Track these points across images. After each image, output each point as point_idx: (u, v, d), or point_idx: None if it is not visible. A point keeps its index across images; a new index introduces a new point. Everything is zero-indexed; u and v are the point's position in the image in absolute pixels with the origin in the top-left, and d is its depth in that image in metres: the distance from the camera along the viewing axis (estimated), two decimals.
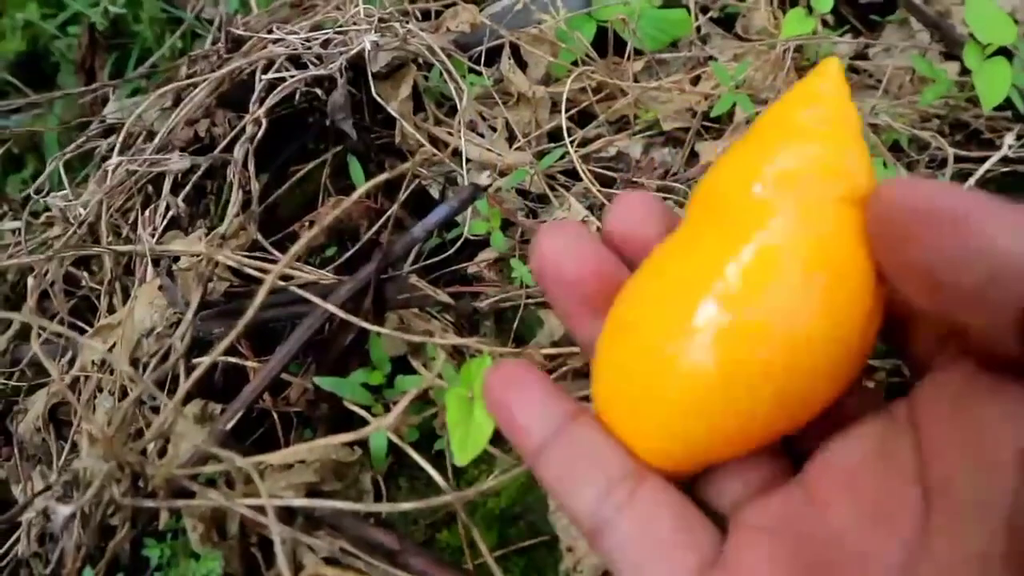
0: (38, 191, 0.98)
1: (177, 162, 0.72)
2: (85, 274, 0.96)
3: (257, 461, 0.59)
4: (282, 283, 0.73)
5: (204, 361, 0.59)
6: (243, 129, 0.92)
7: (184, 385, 0.59)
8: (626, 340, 0.32)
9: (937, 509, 0.28)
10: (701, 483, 0.34)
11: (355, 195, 0.68)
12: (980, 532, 0.27)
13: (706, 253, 0.30)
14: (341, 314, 0.67)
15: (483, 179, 0.69)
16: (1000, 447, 0.27)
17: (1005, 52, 1.01)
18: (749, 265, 0.29)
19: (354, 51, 0.96)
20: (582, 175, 0.97)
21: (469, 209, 0.90)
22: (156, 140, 0.90)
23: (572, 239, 0.34)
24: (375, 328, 0.65)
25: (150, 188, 0.95)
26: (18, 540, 0.73)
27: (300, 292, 0.69)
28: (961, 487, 0.28)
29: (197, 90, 0.93)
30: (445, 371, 0.67)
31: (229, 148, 0.92)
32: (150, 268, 0.77)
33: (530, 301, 0.81)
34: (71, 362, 0.85)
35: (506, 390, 0.34)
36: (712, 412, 0.30)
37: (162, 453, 0.72)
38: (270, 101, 0.95)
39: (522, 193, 1.01)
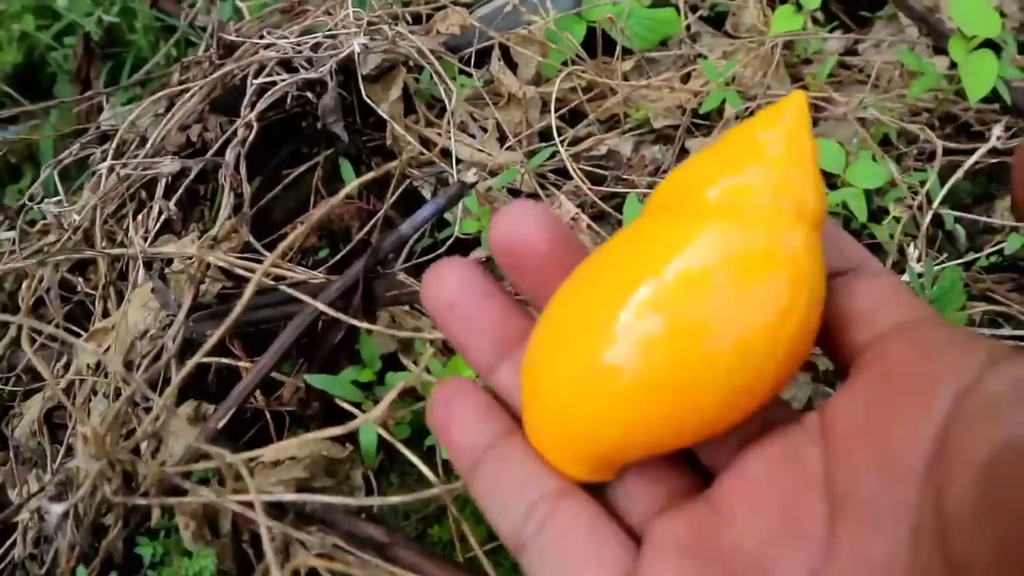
0: (32, 198, 0.98)
1: (168, 165, 0.73)
2: (80, 279, 0.96)
3: (247, 457, 0.60)
4: (273, 283, 0.74)
5: (192, 361, 0.60)
6: (235, 133, 0.92)
7: (173, 383, 0.60)
8: (547, 343, 0.33)
9: (843, 520, 0.28)
10: (613, 497, 0.34)
11: (341, 194, 0.69)
12: (885, 542, 0.27)
13: (644, 253, 0.31)
14: (331, 312, 0.68)
15: (470, 176, 0.70)
16: (906, 457, 0.27)
17: (992, 45, 1.02)
18: (685, 266, 0.30)
19: (343, 54, 0.97)
20: (572, 173, 0.98)
21: (461, 208, 0.91)
22: (148, 145, 0.91)
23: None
24: (364, 325, 0.66)
25: (143, 193, 0.95)
26: (14, 544, 0.73)
27: (289, 291, 0.70)
28: (866, 497, 0.28)
29: (189, 95, 0.94)
30: (433, 366, 0.67)
31: (221, 152, 0.92)
32: (142, 271, 0.78)
33: (520, 296, 0.81)
34: (67, 366, 0.86)
35: (445, 408, 0.35)
36: (630, 417, 0.31)
37: (157, 453, 0.73)
38: (261, 105, 0.96)
39: (513, 192, 1.02)
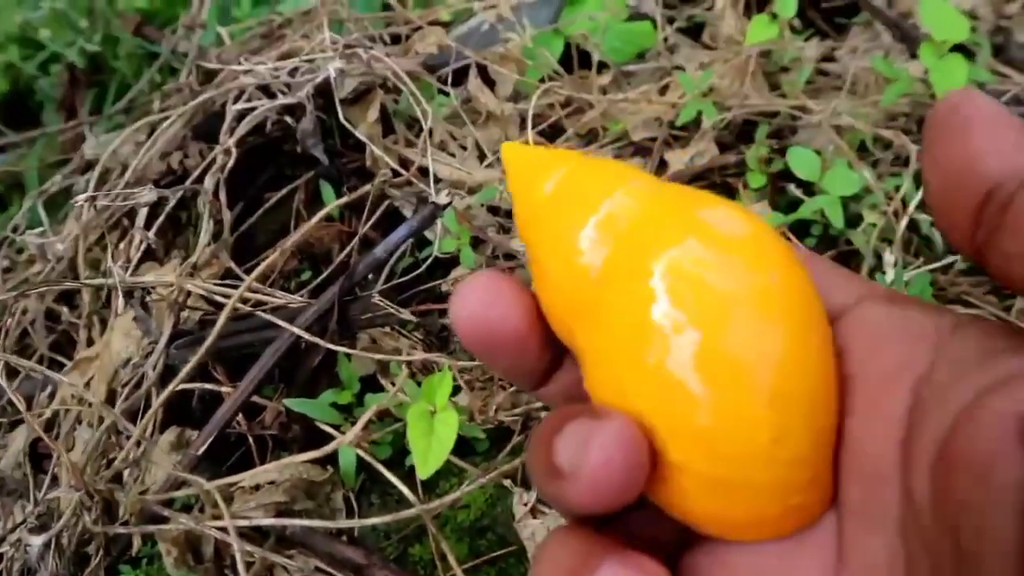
0: (16, 229, 0.99)
1: (146, 195, 0.73)
2: (65, 309, 0.97)
3: (224, 484, 0.60)
4: (251, 309, 0.75)
5: (169, 388, 0.60)
6: (214, 160, 0.93)
7: (151, 412, 0.60)
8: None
9: (846, 526, 0.29)
10: (631, 532, 0.33)
11: (316, 217, 0.70)
12: (883, 544, 0.28)
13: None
14: (307, 336, 0.69)
15: (442, 198, 0.70)
16: (878, 460, 0.28)
17: (965, 49, 1.03)
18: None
19: (320, 79, 0.98)
20: None
21: (440, 228, 0.92)
22: (128, 174, 0.92)
23: (486, 293, 0.31)
24: (340, 349, 0.67)
25: (126, 222, 0.96)
26: None
27: (266, 316, 0.71)
28: (857, 502, 0.29)
29: (169, 123, 0.95)
30: (408, 388, 0.68)
31: (201, 179, 0.93)
32: (122, 300, 0.79)
33: None
34: (52, 396, 0.87)
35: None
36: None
37: (139, 482, 0.73)
38: (241, 131, 0.97)
39: (493, 210, 1.03)
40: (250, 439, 0.77)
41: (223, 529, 0.59)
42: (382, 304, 0.68)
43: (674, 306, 0.28)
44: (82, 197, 0.70)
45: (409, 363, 0.70)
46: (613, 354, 0.29)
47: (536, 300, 0.32)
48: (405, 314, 0.70)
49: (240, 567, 0.50)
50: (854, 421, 0.29)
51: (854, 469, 0.29)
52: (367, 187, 0.73)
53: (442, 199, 0.69)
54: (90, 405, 0.80)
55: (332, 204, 0.64)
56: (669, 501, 0.30)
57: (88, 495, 0.58)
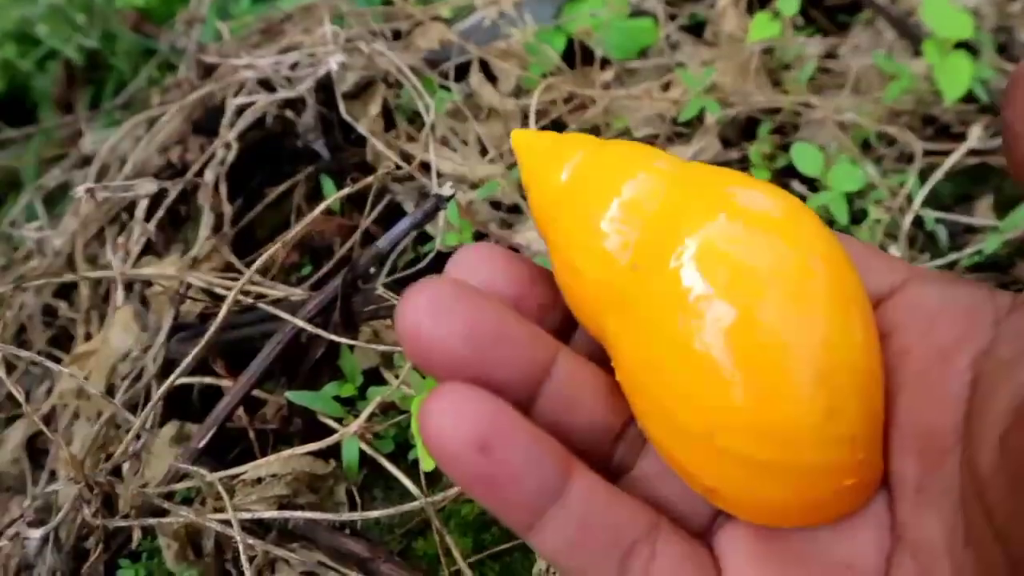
0: (14, 224, 0.98)
1: (144, 187, 0.73)
2: (63, 304, 0.96)
3: (226, 476, 0.60)
4: (252, 301, 0.74)
5: (170, 380, 0.60)
6: (214, 153, 0.93)
7: (151, 403, 0.60)
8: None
9: (900, 504, 0.29)
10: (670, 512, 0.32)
11: (318, 209, 0.69)
12: (939, 521, 0.27)
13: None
14: (310, 328, 0.68)
15: (446, 190, 0.70)
16: (938, 436, 0.27)
17: (968, 47, 1.03)
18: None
19: (321, 72, 0.97)
20: None
21: (443, 222, 0.91)
22: (127, 168, 0.91)
23: (440, 298, 0.28)
24: (343, 340, 0.66)
25: (124, 216, 0.95)
26: None
27: (269, 308, 0.70)
28: (913, 480, 0.28)
29: (167, 117, 0.95)
30: (413, 379, 0.67)
31: (201, 172, 0.92)
32: (121, 293, 0.78)
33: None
34: (50, 391, 0.86)
35: (484, 454, 0.27)
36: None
37: (139, 475, 0.72)
38: (240, 125, 0.96)
39: (496, 205, 1.02)
40: (251, 433, 0.76)
41: (225, 522, 0.58)
42: (385, 296, 0.67)
43: (713, 287, 0.27)
44: (81, 188, 0.69)
45: None
46: (651, 340, 0.28)
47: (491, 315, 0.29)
48: None
49: (243, 560, 0.49)
50: (907, 397, 0.28)
51: (908, 445, 0.28)
52: (369, 179, 0.73)
53: (446, 191, 0.68)
54: (89, 399, 0.80)
55: (334, 196, 0.64)
56: (712, 488, 0.29)
57: (88, 488, 0.57)
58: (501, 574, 0.67)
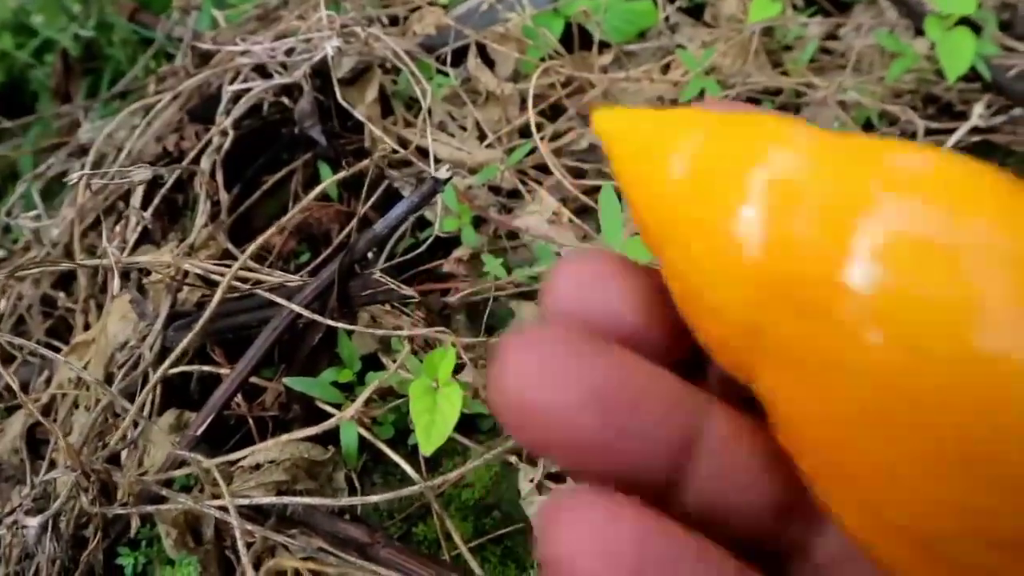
0: (11, 214, 0.98)
1: (140, 173, 0.72)
2: (61, 294, 0.96)
3: (224, 461, 0.59)
4: (249, 288, 0.73)
5: (164, 366, 0.59)
6: (210, 140, 0.92)
7: (146, 389, 0.59)
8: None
9: None
10: None
11: (315, 192, 0.68)
12: None
13: None
14: (307, 313, 0.67)
15: (443, 173, 0.69)
16: None
17: (971, 24, 1.01)
18: None
19: (317, 58, 0.96)
20: (553, 169, 0.97)
21: (441, 207, 0.90)
22: (123, 156, 0.90)
23: (554, 355, 0.21)
24: (341, 325, 0.65)
25: (121, 205, 0.95)
26: None
27: (265, 294, 0.69)
28: None
29: (163, 103, 0.94)
30: (411, 363, 0.67)
31: (198, 160, 0.92)
32: (117, 281, 0.77)
33: (500, 293, 0.81)
34: (48, 381, 0.85)
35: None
36: None
37: (140, 464, 0.72)
38: (237, 112, 0.95)
39: (495, 190, 1.02)
40: (250, 421, 0.75)
41: (223, 508, 0.58)
42: (383, 281, 0.67)
43: (912, 306, 0.18)
44: (77, 175, 0.68)
45: (411, 340, 0.69)
46: (828, 392, 0.19)
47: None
48: (407, 290, 0.69)
49: (240, 546, 0.49)
50: None
51: None
52: (366, 162, 0.72)
53: (442, 174, 0.67)
54: (87, 388, 0.79)
55: (330, 179, 0.63)
56: (870, 553, 0.20)
57: (85, 475, 0.57)
58: (502, 558, 0.67)
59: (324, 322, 0.64)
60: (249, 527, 0.57)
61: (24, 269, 0.75)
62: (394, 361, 0.70)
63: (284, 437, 0.57)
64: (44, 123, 1.27)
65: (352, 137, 1.05)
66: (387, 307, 0.77)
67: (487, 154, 1.02)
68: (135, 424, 0.65)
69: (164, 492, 0.58)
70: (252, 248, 0.59)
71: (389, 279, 0.68)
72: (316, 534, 0.62)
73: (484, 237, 0.92)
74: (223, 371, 0.76)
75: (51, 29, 1.29)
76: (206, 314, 0.57)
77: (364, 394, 0.59)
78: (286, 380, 0.70)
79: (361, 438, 0.70)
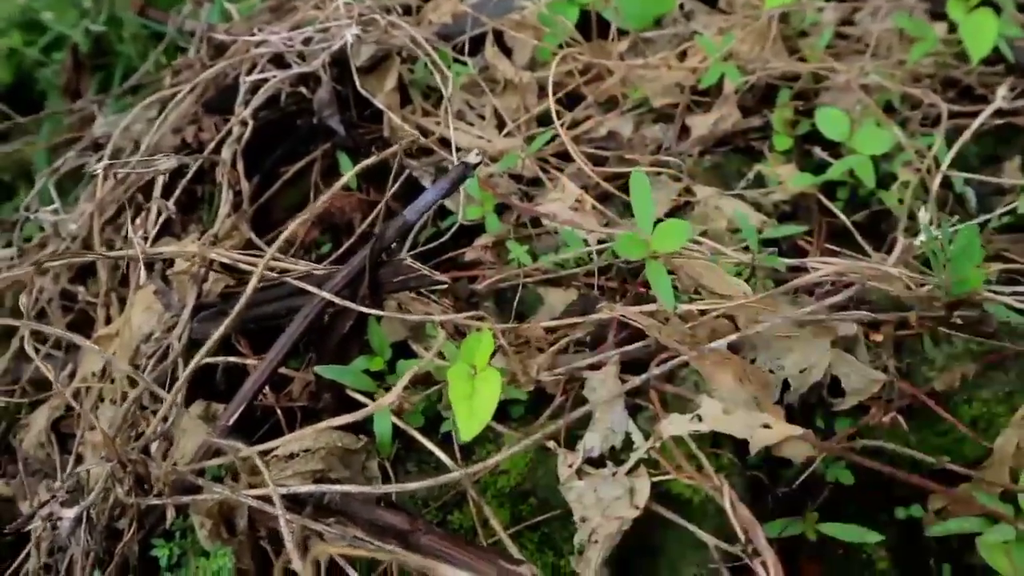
0: (28, 209, 0.97)
1: (165, 162, 0.71)
2: (81, 289, 0.95)
3: (260, 450, 0.58)
4: (276, 276, 0.73)
5: (199, 355, 0.59)
6: (230, 131, 0.91)
7: (183, 378, 0.58)
8: None
9: None
10: None
11: (341, 181, 0.67)
12: None
13: None
14: (337, 301, 0.67)
15: (472, 157, 0.68)
16: None
17: (991, 5, 1.01)
18: None
19: (336, 46, 0.95)
20: (574, 156, 0.97)
21: (463, 196, 0.90)
22: (143, 148, 0.89)
23: None
24: (373, 312, 0.65)
25: (140, 198, 0.94)
26: (27, 557, 0.72)
27: (296, 282, 0.69)
28: None
29: (181, 96, 0.93)
30: (446, 349, 0.66)
31: (217, 151, 0.91)
32: (143, 273, 0.77)
33: (527, 280, 0.80)
34: (71, 376, 0.85)
35: None
36: None
37: (168, 454, 0.71)
38: (255, 102, 0.95)
39: (516, 178, 1.01)
40: (278, 411, 0.75)
41: (263, 498, 0.57)
42: (414, 267, 0.66)
43: None
44: (99, 166, 0.68)
45: (443, 326, 0.68)
46: None
47: None
48: (438, 276, 0.68)
49: (285, 533, 0.48)
50: None
51: None
52: (393, 148, 0.71)
53: (472, 159, 0.67)
54: (112, 381, 0.78)
55: (356, 167, 0.63)
56: None
57: (121, 465, 0.56)
58: (540, 544, 0.66)
59: (357, 309, 0.63)
60: (288, 516, 0.57)
61: (48, 261, 0.74)
62: (426, 348, 0.69)
63: (321, 424, 0.57)
64: (56, 119, 1.26)
65: (371, 127, 1.04)
66: (414, 295, 0.76)
67: (507, 142, 1.01)
68: (165, 418, 0.64)
69: (200, 482, 0.58)
70: (281, 239, 0.59)
71: (420, 265, 0.68)
72: (354, 523, 0.61)
73: (507, 225, 0.91)
74: (249, 361, 0.75)
75: (61, 25, 1.28)
76: (241, 302, 0.56)
77: (402, 381, 0.58)
78: (317, 368, 0.69)
79: (393, 426, 0.69)
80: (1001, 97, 1.01)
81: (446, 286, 0.75)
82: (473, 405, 0.58)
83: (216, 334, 0.57)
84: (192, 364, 0.59)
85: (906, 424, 0.74)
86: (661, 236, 0.68)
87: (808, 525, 0.70)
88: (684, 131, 1.08)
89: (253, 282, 0.58)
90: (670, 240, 0.69)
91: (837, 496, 0.76)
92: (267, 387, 0.76)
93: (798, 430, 0.63)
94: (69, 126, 1.25)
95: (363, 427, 0.71)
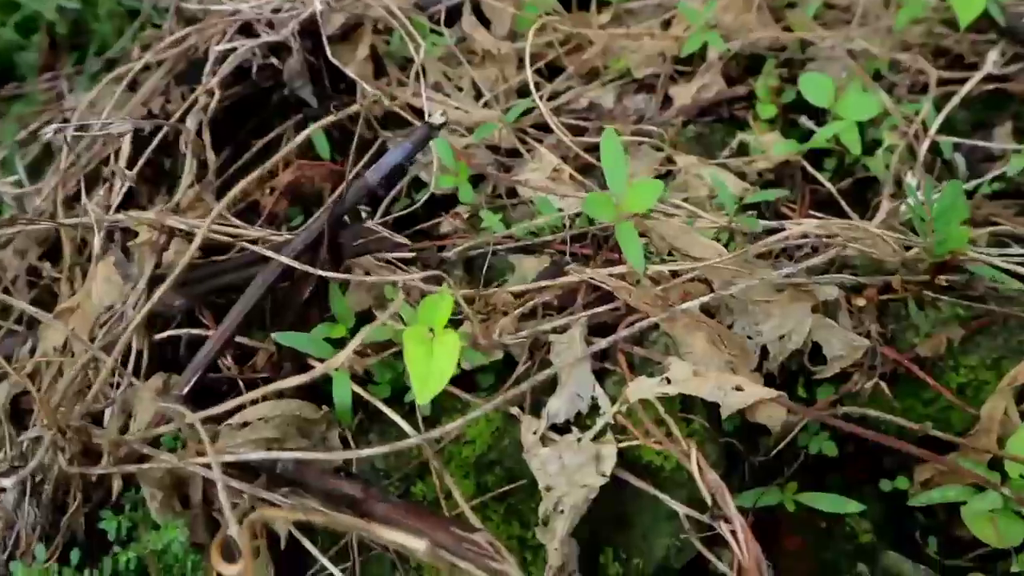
0: None
1: (120, 126, 0.69)
2: (47, 264, 0.93)
3: (208, 416, 0.56)
4: (231, 240, 0.70)
5: (146, 306, 0.56)
6: (196, 100, 0.89)
7: (126, 334, 0.56)
8: None
9: None
10: None
11: (301, 136, 0.65)
12: None
13: None
14: (296, 265, 0.64)
15: (437, 117, 0.66)
16: None
17: None
18: None
19: (305, 14, 0.93)
20: (553, 126, 0.94)
21: (436, 165, 0.87)
22: (104, 114, 0.87)
23: None
24: (332, 275, 0.62)
25: (105, 170, 0.92)
26: None
27: (254, 248, 0.66)
28: None
29: (142, 66, 0.91)
30: (405, 312, 0.64)
31: (184, 121, 0.89)
32: (98, 239, 0.74)
33: (499, 247, 0.78)
34: (33, 352, 0.82)
35: None
36: None
37: (126, 428, 0.69)
38: (224, 71, 0.92)
39: (493, 149, 0.98)
40: (240, 383, 0.72)
41: (208, 466, 0.55)
42: (375, 230, 0.63)
43: None
44: (50, 128, 0.65)
45: (407, 291, 0.66)
46: None
47: None
48: (400, 238, 0.66)
49: (223, 499, 0.46)
50: None
51: None
52: (354, 107, 0.69)
53: (437, 119, 0.64)
54: (72, 355, 0.76)
55: (317, 124, 0.60)
56: None
57: (60, 433, 0.54)
58: (505, 516, 0.63)
59: (315, 272, 0.61)
60: (236, 485, 0.54)
61: (4, 227, 0.71)
62: (382, 308, 0.66)
63: (271, 387, 0.54)
64: (31, 98, 1.24)
65: (345, 99, 1.01)
66: (381, 264, 0.74)
67: (484, 113, 0.98)
68: (117, 384, 0.62)
69: (147, 450, 0.55)
70: (230, 196, 0.56)
71: (382, 228, 0.65)
72: (308, 492, 0.58)
73: (482, 195, 0.89)
74: (212, 334, 0.73)
75: (35, 2, 1.26)
76: (183, 261, 0.54)
77: (355, 341, 0.55)
78: (275, 335, 0.66)
79: (357, 397, 0.67)
80: (992, 62, 0.98)
81: (414, 255, 0.73)
82: (431, 367, 0.56)
83: (157, 294, 0.55)
84: (135, 320, 0.56)
85: (890, 392, 0.71)
86: (632, 196, 0.66)
87: (787, 496, 0.68)
88: (667, 101, 1.05)
89: (196, 241, 0.56)
90: (641, 200, 0.66)
91: (820, 470, 0.74)
92: (230, 359, 0.74)
93: (773, 392, 0.60)
94: (44, 103, 1.24)
95: (327, 399, 0.68)
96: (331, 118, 0.67)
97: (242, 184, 0.59)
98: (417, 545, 0.41)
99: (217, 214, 0.58)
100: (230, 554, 0.47)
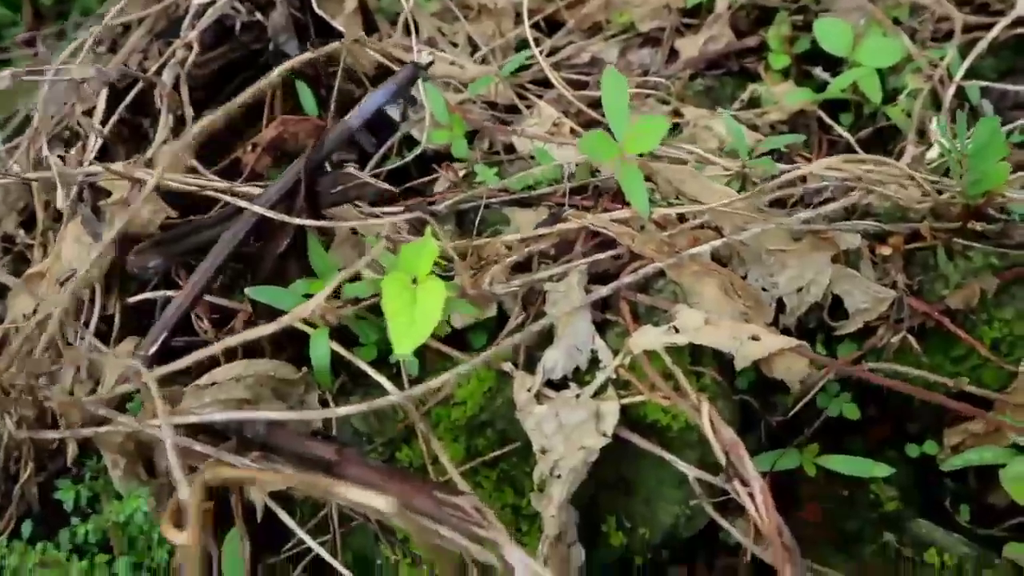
0: None
1: (82, 70, 0.64)
2: (21, 232, 0.88)
3: (167, 372, 0.51)
4: (197, 188, 0.65)
5: (87, 266, 0.51)
6: (173, 53, 0.84)
7: (82, 276, 0.51)
8: None
9: None
10: None
11: (275, 72, 0.60)
12: None
13: None
14: (271, 214, 0.59)
15: (423, 57, 0.60)
16: None
17: None
18: None
19: None
20: (553, 81, 0.88)
21: (428, 120, 0.82)
22: (79, 72, 0.82)
23: None
24: (307, 222, 0.57)
25: (79, 127, 0.87)
26: None
27: (227, 198, 0.61)
28: None
29: (115, 14, 0.86)
30: (385, 259, 0.58)
31: (160, 75, 0.84)
32: (61, 194, 0.69)
33: (493, 201, 0.72)
34: (1, 320, 0.78)
35: None
36: None
37: (92, 393, 0.64)
38: (203, 24, 0.87)
39: (490, 105, 0.93)
40: (215, 344, 0.67)
41: (181, 428, 0.50)
42: (355, 175, 0.58)
43: None
44: (4, 73, 0.60)
45: (394, 246, 0.60)
46: None
47: None
48: (382, 185, 0.60)
49: (172, 463, 0.41)
50: None
51: None
52: (334, 45, 0.64)
53: (423, 58, 0.59)
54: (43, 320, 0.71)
55: (289, 62, 0.55)
56: None
57: (3, 392, 0.49)
58: (498, 482, 0.58)
59: (291, 221, 0.55)
60: (199, 448, 0.49)
61: None
62: (370, 267, 0.61)
63: (233, 338, 0.49)
64: (11, 64, 1.20)
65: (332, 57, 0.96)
66: (367, 216, 0.68)
67: (481, 69, 0.93)
68: (56, 342, 0.57)
69: (103, 412, 0.50)
70: (193, 131, 0.51)
71: (362, 174, 0.60)
72: (281, 456, 0.53)
73: (478, 152, 0.84)
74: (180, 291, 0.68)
75: None
76: (142, 195, 0.48)
77: (327, 289, 0.50)
78: (248, 290, 0.61)
79: (340, 359, 0.61)
80: (1022, 5, 0.92)
81: (402, 208, 0.67)
82: (413, 317, 0.50)
83: (108, 237, 0.50)
84: (77, 279, 0.51)
85: (918, 347, 0.65)
86: (635, 135, 0.60)
87: (806, 458, 0.62)
88: (673, 55, 1.00)
89: (150, 186, 0.50)
90: (644, 139, 0.60)
91: (838, 434, 0.68)
92: (207, 322, 0.69)
93: (793, 342, 0.55)
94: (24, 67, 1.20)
95: (306, 361, 0.63)
96: (307, 55, 0.62)
97: (203, 123, 0.54)
98: (382, 504, 0.36)
99: (177, 160, 0.53)
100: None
